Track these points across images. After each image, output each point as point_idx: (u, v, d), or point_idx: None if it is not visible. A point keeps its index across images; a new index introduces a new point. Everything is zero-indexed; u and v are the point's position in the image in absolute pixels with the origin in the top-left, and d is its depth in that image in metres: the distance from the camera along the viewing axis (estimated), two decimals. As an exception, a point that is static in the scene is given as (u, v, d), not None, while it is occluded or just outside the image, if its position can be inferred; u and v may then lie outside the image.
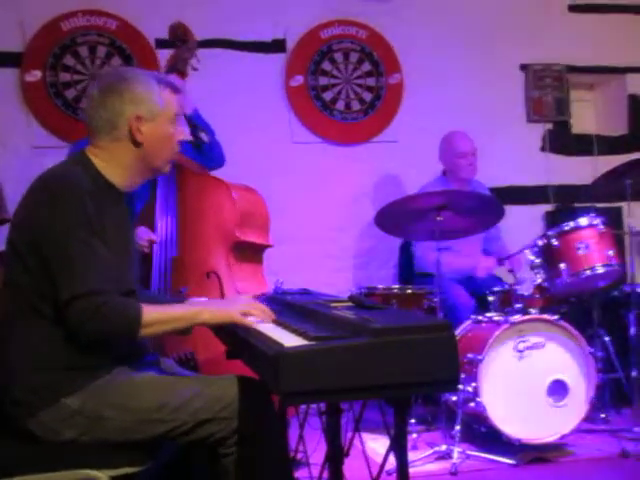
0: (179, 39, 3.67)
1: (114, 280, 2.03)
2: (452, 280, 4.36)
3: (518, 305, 3.82)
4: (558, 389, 3.66)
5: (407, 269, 4.75)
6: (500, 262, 4.60)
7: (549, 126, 5.68)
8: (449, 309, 4.17)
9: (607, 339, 4.17)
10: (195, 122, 3.68)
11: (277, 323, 2.12)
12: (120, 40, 4.98)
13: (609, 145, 5.71)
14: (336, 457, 2.35)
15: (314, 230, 5.19)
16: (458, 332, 3.88)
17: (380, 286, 4.16)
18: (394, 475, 2.10)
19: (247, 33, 5.18)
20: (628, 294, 3.93)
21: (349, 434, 2.64)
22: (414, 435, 3.80)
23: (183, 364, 3.10)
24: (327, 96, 5.32)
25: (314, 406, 2.83)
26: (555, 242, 3.88)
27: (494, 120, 5.43)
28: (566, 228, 3.91)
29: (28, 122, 4.88)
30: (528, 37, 5.54)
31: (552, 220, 5.39)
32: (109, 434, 2.03)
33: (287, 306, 2.50)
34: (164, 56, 4.31)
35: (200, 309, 2.15)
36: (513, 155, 5.49)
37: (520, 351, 3.65)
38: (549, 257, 3.91)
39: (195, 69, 3.69)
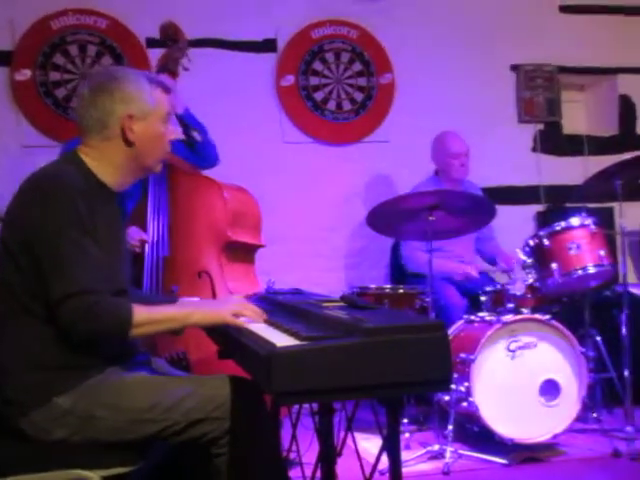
0: (170, 39, 3.66)
1: (106, 280, 2.03)
2: (444, 280, 4.36)
3: (510, 305, 3.83)
4: (550, 389, 3.67)
5: (399, 269, 4.75)
6: (493, 263, 4.62)
7: (540, 126, 5.69)
8: (441, 309, 4.18)
9: (599, 339, 4.17)
10: (187, 121, 3.67)
11: (269, 323, 2.11)
12: (110, 39, 4.96)
13: (600, 145, 5.73)
14: (329, 457, 2.34)
15: (306, 230, 5.19)
16: (450, 332, 3.88)
17: (372, 286, 4.16)
18: (387, 475, 2.10)
19: (238, 32, 5.18)
20: (620, 294, 3.94)
21: (342, 434, 2.64)
22: (407, 435, 3.80)
23: (175, 364, 3.09)
24: (318, 96, 5.31)
25: (306, 406, 2.83)
26: (546, 242, 3.89)
27: (485, 120, 5.44)
28: (557, 228, 3.91)
29: (18, 121, 4.86)
30: (519, 38, 5.55)
31: (543, 220, 5.40)
32: (100, 434, 2.02)
33: (279, 306, 2.49)
34: (155, 55, 4.30)
35: (192, 310, 2.15)
36: (504, 155, 5.49)
37: (512, 351, 3.66)
38: (541, 257, 3.91)
39: (186, 69, 3.67)
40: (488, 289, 4.03)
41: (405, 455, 3.11)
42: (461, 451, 3.61)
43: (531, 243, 3.96)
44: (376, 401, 3.01)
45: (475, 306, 4.19)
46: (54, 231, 1.99)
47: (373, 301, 3.88)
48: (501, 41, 5.51)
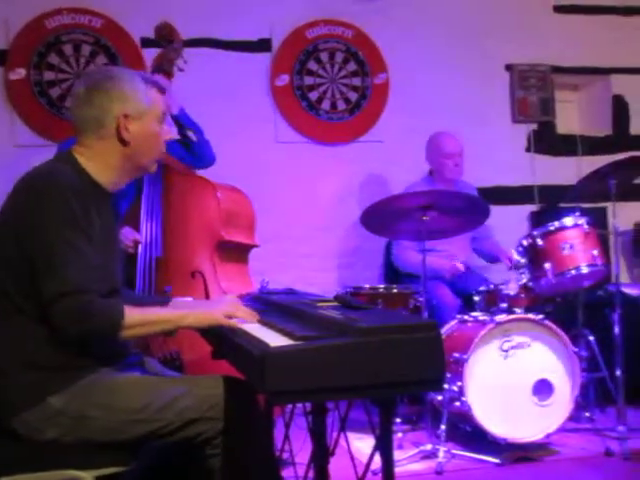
0: (165, 39, 3.66)
1: (99, 279, 2.03)
2: (437, 280, 4.36)
3: (503, 305, 3.84)
4: (543, 388, 3.68)
5: (392, 269, 4.76)
6: (495, 260, 4.61)
7: (534, 126, 5.70)
8: (434, 309, 4.18)
9: (591, 339, 4.18)
10: (182, 122, 3.67)
11: (263, 323, 2.12)
12: (105, 38, 4.96)
13: (594, 145, 5.74)
14: (321, 456, 2.35)
15: (299, 230, 5.20)
16: (444, 332, 3.88)
17: (366, 286, 4.16)
18: (380, 475, 2.10)
19: (233, 32, 5.18)
20: (612, 294, 3.95)
21: (335, 434, 2.64)
22: (399, 434, 3.81)
23: (168, 364, 3.09)
24: (313, 96, 5.32)
25: (300, 406, 2.83)
26: (540, 242, 3.90)
27: (479, 120, 5.44)
28: (551, 228, 3.92)
29: (12, 121, 4.86)
30: (513, 37, 5.56)
31: (537, 220, 5.42)
32: (93, 434, 2.02)
33: (273, 306, 2.50)
34: (150, 55, 4.30)
35: (185, 312, 2.15)
36: (498, 155, 5.50)
37: (505, 350, 3.67)
38: (534, 257, 3.92)
39: (181, 70, 3.68)
40: (481, 289, 4.04)
41: (398, 455, 3.13)
42: (454, 451, 3.62)
43: (525, 243, 3.97)
44: (369, 401, 3.01)
45: (468, 306, 4.19)
46: (48, 230, 1.99)
47: (367, 301, 3.88)
48: (495, 41, 5.51)
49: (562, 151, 5.72)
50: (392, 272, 4.79)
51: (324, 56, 5.34)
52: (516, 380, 3.66)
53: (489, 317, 3.76)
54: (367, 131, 5.39)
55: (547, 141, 5.71)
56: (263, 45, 5.26)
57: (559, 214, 4.12)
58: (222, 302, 2.32)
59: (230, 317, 2.12)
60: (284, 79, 5.27)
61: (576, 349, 3.81)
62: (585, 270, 3.86)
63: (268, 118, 5.23)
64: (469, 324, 3.89)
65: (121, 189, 2.35)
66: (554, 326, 3.72)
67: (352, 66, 5.38)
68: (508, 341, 3.67)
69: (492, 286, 4.01)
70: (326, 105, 5.33)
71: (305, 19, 5.30)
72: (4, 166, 4.52)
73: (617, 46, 5.75)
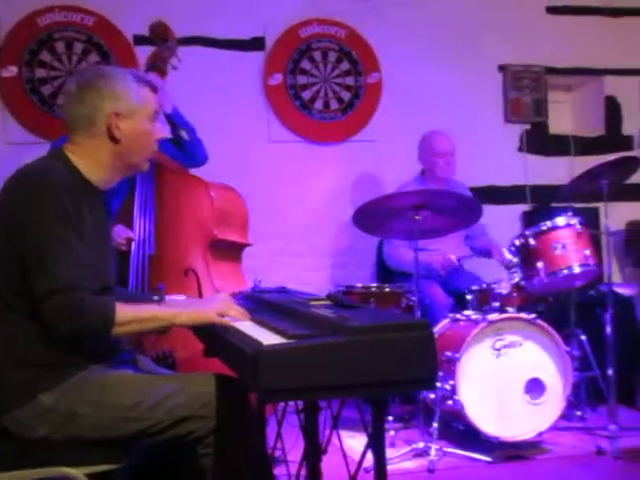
0: (160, 38, 3.66)
1: (91, 277, 2.02)
2: (430, 279, 4.36)
3: (496, 304, 3.84)
4: (535, 387, 3.69)
5: (385, 268, 4.76)
6: (489, 255, 4.61)
7: (527, 127, 5.71)
8: (427, 308, 4.19)
9: (583, 338, 4.20)
10: (175, 121, 3.67)
11: (255, 321, 2.12)
12: (97, 36, 4.95)
13: (586, 146, 5.75)
14: (314, 455, 2.35)
15: (292, 229, 5.20)
16: (436, 330, 3.89)
17: (358, 285, 4.16)
18: (372, 472, 2.11)
19: (226, 31, 5.17)
20: (604, 294, 3.96)
21: (327, 432, 2.64)
22: (392, 433, 3.81)
23: (161, 361, 3.09)
24: (306, 95, 5.32)
25: (292, 404, 2.82)
26: (532, 242, 3.91)
27: (472, 120, 5.45)
28: (543, 228, 3.93)
29: (4, 118, 4.85)
30: (507, 38, 5.57)
31: (529, 220, 5.43)
32: (83, 431, 2.02)
33: (265, 304, 2.50)
34: (142, 53, 4.30)
35: (177, 311, 2.14)
36: (491, 155, 5.51)
37: (497, 349, 3.68)
38: (526, 256, 3.93)
39: (175, 68, 3.67)
40: (474, 288, 4.05)
41: (390, 453, 3.13)
42: (446, 449, 3.63)
43: (517, 243, 3.98)
44: (361, 399, 3.02)
45: (461, 305, 4.20)
46: (39, 228, 1.98)
47: (359, 300, 3.89)
48: (488, 41, 5.52)
49: (555, 151, 5.73)
50: (384, 271, 4.79)
51: (317, 55, 5.34)
52: (508, 379, 3.67)
53: (481, 316, 3.77)
54: (360, 130, 5.39)
55: (540, 141, 5.72)
56: (256, 44, 5.25)
57: (551, 214, 4.13)
58: (215, 300, 2.32)
59: (222, 315, 2.12)
60: (277, 78, 5.26)
61: (568, 348, 3.82)
62: (577, 270, 3.87)
63: (261, 117, 5.23)
64: (461, 323, 3.89)
65: (113, 187, 2.34)
66: (546, 325, 3.73)
67: (345, 65, 5.38)
68: (500, 340, 3.68)
69: (484, 285, 4.01)
70: (319, 104, 5.33)
71: (299, 18, 5.30)
72: (-4, 164, 4.51)
73: (610, 47, 5.77)
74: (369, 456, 2.21)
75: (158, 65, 3.60)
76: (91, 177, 2.19)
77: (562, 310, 4.32)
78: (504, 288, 3.90)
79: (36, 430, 2.01)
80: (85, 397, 2.03)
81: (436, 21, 5.47)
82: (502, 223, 5.24)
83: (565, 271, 3.86)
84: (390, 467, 2.36)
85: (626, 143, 5.84)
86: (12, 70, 4.83)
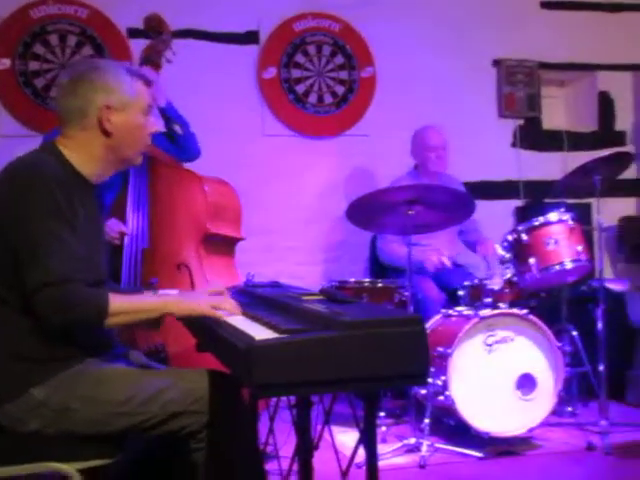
0: (154, 31, 3.64)
1: (84, 270, 2.02)
2: (423, 274, 4.37)
3: (488, 299, 3.85)
4: (526, 383, 3.70)
5: (378, 263, 4.77)
6: (474, 250, 4.63)
7: (520, 122, 5.72)
8: (419, 303, 4.19)
9: (575, 334, 4.21)
10: (169, 114, 3.66)
11: (248, 316, 2.11)
12: (91, 29, 4.93)
13: (579, 141, 5.76)
14: (306, 450, 2.35)
15: (285, 223, 5.20)
16: (428, 326, 3.90)
17: (351, 280, 4.16)
18: (363, 468, 2.11)
19: (220, 24, 5.16)
20: (595, 289, 3.97)
21: (319, 427, 2.65)
22: (383, 428, 3.82)
23: (153, 356, 3.09)
24: (300, 89, 5.31)
25: (284, 399, 2.83)
26: (525, 237, 3.91)
27: (466, 115, 5.45)
28: (536, 223, 3.94)
29: (-3, 111, 4.83)
30: (501, 33, 5.57)
31: (522, 215, 5.44)
32: (76, 426, 2.01)
33: (258, 299, 2.50)
34: (136, 46, 4.29)
35: (169, 301, 2.14)
36: (484, 150, 5.51)
37: (489, 345, 3.68)
38: (519, 252, 3.94)
39: (170, 61, 3.66)
40: (466, 284, 4.06)
41: (381, 448, 3.13)
42: (437, 444, 3.63)
43: (509, 238, 3.98)
44: (353, 394, 3.02)
45: (453, 300, 4.20)
46: (32, 221, 1.98)
47: (352, 295, 3.89)
48: (483, 36, 5.52)
49: (548, 147, 5.74)
50: (378, 266, 4.80)
51: (311, 49, 5.33)
52: (500, 374, 3.68)
53: (473, 312, 3.78)
54: (354, 125, 5.38)
55: (533, 136, 5.73)
56: (250, 37, 5.24)
57: (544, 209, 4.14)
58: (207, 293, 2.32)
59: (215, 309, 2.12)
60: (271, 72, 5.26)
61: (559, 344, 3.83)
62: (569, 265, 3.88)
63: (255, 111, 5.22)
64: (453, 319, 3.90)
65: (106, 180, 2.34)
66: (538, 321, 3.74)
67: (339, 59, 5.37)
68: (492, 336, 3.69)
69: (477, 281, 4.02)
70: (313, 98, 5.33)
71: (293, 12, 5.29)
72: (-12, 156, 4.49)
73: (603, 43, 5.78)
74: (361, 451, 2.22)
75: (152, 58, 3.59)
76: (83, 170, 2.19)
77: (554, 306, 4.34)
78: (496, 284, 3.91)
79: (28, 424, 2.00)
80: (78, 392, 2.02)
81: (430, 16, 5.46)
82: (495, 218, 5.25)
83: (557, 267, 3.87)
84: (381, 463, 2.37)
85: (619, 139, 5.86)
86: (5, 63, 4.81)
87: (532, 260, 3.87)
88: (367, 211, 3.77)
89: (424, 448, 3.51)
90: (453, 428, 3.81)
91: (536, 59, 5.69)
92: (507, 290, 3.93)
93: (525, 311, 3.76)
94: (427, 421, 3.65)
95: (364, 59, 5.39)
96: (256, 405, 2.87)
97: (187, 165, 3.70)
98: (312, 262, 5.24)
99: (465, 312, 3.85)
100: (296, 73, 5.31)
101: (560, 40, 5.69)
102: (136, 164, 2.36)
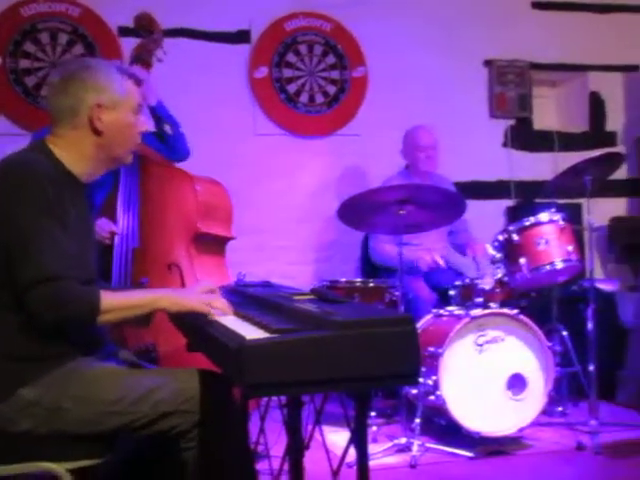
0: (145, 29, 3.63)
1: (75, 267, 2.01)
2: (414, 274, 4.37)
3: (479, 299, 3.86)
4: (517, 383, 3.71)
5: (370, 263, 4.77)
6: (464, 252, 4.63)
7: (511, 122, 5.73)
8: (410, 303, 4.19)
9: (565, 334, 4.22)
10: (159, 114, 3.65)
11: (239, 315, 2.11)
12: (82, 27, 4.91)
13: (570, 142, 5.78)
14: (296, 450, 2.35)
15: (276, 222, 5.19)
16: (419, 326, 3.90)
17: (342, 279, 4.17)
18: (354, 468, 2.11)
19: (211, 23, 5.15)
20: (586, 289, 3.98)
21: (310, 427, 2.64)
22: (374, 428, 3.83)
23: (143, 356, 3.08)
24: (291, 88, 5.31)
25: (275, 399, 2.83)
26: (516, 237, 3.92)
27: (457, 115, 5.46)
28: (527, 223, 3.95)
29: (-13, 109, 4.81)
30: (492, 33, 5.58)
31: (513, 215, 5.45)
32: (67, 425, 2.00)
33: (249, 298, 2.49)
34: (127, 44, 4.27)
35: (159, 296, 2.14)
36: (475, 150, 5.52)
37: (480, 345, 3.69)
38: (510, 252, 3.94)
39: (160, 60, 3.65)
40: (457, 283, 4.06)
41: (372, 448, 3.13)
42: (428, 444, 3.64)
43: (500, 238, 3.98)
44: (344, 394, 3.02)
45: (444, 300, 4.21)
46: (24, 218, 1.97)
47: (343, 295, 3.88)
48: (474, 36, 5.53)
49: (539, 147, 5.76)
50: (369, 266, 4.80)
51: (303, 49, 5.33)
52: (490, 374, 3.68)
53: (464, 311, 3.78)
54: (345, 124, 5.39)
55: (524, 137, 5.74)
56: (242, 36, 5.24)
57: (535, 209, 4.15)
58: (198, 290, 2.32)
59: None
60: (263, 71, 5.25)
61: (550, 344, 3.85)
62: (560, 265, 3.88)
63: (246, 110, 5.22)
64: (444, 318, 3.90)
65: (97, 179, 2.33)
66: (529, 321, 3.75)
67: (331, 59, 5.37)
68: (483, 335, 3.69)
69: (468, 280, 4.03)
70: (304, 98, 5.33)
71: (284, 11, 5.29)
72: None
73: (594, 43, 5.79)
74: (351, 451, 2.21)
75: (143, 57, 3.58)
76: (74, 169, 2.18)
77: (544, 306, 4.35)
78: (487, 284, 3.91)
79: (19, 424, 1.99)
80: (69, 391, 2.02)
81: (422, 16, 5.47)
82: (486, 218, 5.26)
83: (548, 267, 3.88)
84: (372, 462, 2.36)
85: (610, 139, 5.88)
86: (-5, 60, 4.80)
87: (523, 260, 3.88)
88: (358, 211, 3.77)
89: (415, 448, 3.51)
90: (444, 428, 3.81)
91: (527, 59, 5.70)
92: (498, 290, 3.94)
93: (516, 311, 3.76)
94: (418, 421, 3.65)
95: (355, 59, 5.39)
96: (247, 405, 2.87)
97: (178, 164, 3.69)
98: (303, 262, 5.23)
99: (456, 312, 3.85)
100: (287, 73, 5.30)
101: (551, 40, 5.70)
102: (126, 163, 2.35)
